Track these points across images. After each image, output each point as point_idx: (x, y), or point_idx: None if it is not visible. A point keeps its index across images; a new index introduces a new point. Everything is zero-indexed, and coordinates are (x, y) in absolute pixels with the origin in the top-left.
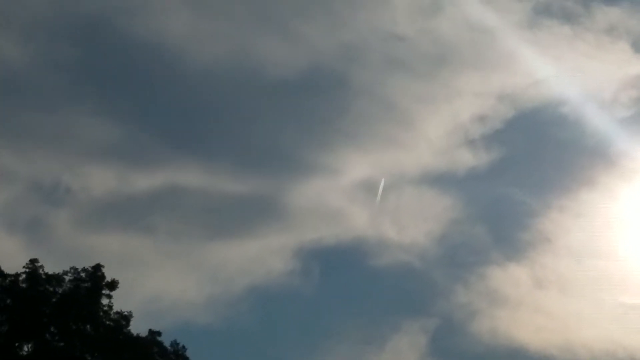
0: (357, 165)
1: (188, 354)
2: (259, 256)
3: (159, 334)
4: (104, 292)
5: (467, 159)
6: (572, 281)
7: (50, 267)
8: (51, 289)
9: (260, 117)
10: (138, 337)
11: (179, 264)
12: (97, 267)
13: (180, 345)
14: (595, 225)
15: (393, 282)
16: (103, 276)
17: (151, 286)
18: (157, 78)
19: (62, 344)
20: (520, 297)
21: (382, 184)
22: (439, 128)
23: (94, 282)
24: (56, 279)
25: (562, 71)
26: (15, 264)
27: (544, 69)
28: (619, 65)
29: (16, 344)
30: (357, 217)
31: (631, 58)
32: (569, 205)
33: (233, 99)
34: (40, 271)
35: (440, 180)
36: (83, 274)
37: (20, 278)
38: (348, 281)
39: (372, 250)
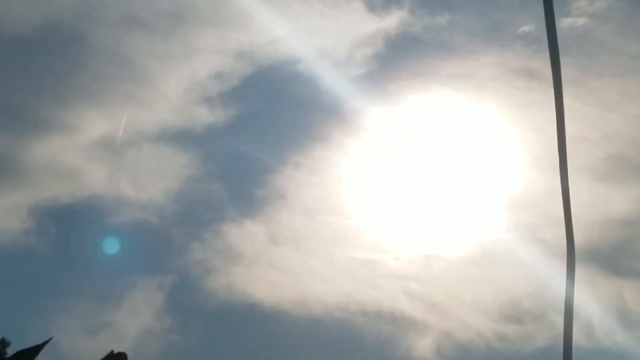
0: (94, 123)
1: None
2: None
3: None
4: None
5: (204, 116)
6: (306, 237)
7: None
8: None
9: None
10: None
11: None
12: None
13: None
14: (328, 182)
15: (130, 240)
16: None
17: None
18: None
19: None
20: (255, 254)
21: (119, 141)
22: (176, 85)
23: None
24: None
25: (298, 30)
26: None
27: (280, 27)
28: (353, 24)
29: None
30: (94, 175)
31: (365, 17)
32: (304, 162)
33: None
34: None
35: (178, 137)
36: None
37: None
38: (84, 240)
39: (109, 208)
